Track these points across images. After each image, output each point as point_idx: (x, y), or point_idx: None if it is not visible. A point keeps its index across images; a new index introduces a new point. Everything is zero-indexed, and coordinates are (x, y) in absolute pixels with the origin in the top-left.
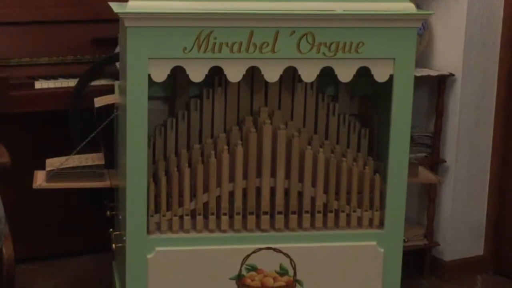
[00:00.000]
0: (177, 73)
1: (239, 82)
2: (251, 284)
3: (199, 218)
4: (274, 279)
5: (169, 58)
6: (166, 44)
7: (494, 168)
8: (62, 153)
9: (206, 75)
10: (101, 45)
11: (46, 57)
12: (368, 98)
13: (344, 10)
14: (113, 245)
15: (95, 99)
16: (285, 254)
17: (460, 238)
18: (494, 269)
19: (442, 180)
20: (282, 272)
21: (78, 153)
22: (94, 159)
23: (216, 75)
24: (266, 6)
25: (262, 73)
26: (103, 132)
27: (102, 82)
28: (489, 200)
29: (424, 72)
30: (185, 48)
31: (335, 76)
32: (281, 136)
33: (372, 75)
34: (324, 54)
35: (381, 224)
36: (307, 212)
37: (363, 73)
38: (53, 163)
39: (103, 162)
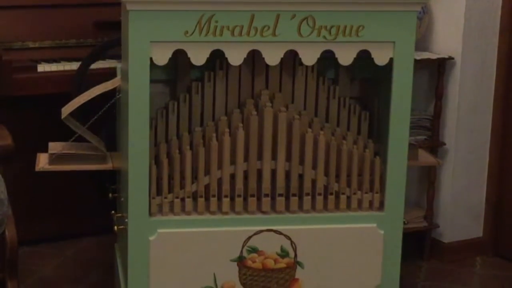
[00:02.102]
0: (179, 57)
1: (240, 66)
2: (252, 265)
3: (201, 200)
4: (275, 260)
5: (171, 42)
6: (167, 28)
7: (493, 150)
8: (64, 136)
9: (208, 59)
10: (103, 28)
11: (48, 41)
12: (368, 81)
13: None
14: (115, 227)
15: (62, 109)
16: (286, 236)
17: (460, 220)
18: (493, 251)
19: (442, 162)
20: (283, 254)
21: (80, 136)
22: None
23: (217, 58)
24: None
25: (263, 56)
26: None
27: (101, 65)
28: (488, 182)
29: (424, 55)
30: (186, 32)
31: (336, 59)
32: (282, 119)
33: (372, 59)
34: (324, 37)
35: (381, 206)
36: (307, 194)
37: (363, 57)
38: (55, 147)
39: (104, 149)
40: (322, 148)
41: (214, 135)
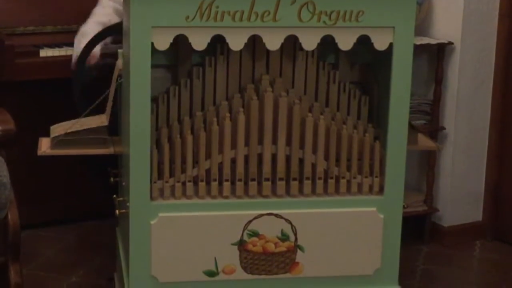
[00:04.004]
0: (180, 42)
1: (240, 50)
2: (252, 249)
3: (202, 185)
4: (276, 244)
5: (172, 27)
6: (169, 13)
7: (493, 134)
8: (67, 121)
9: (208, 44)
10: None
11: (51, 26)
12: (368, 66)
13: None
14: (117, 211)
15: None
16: (286, 219)
17: (459, 204)
18: (492, 235)
19: (441, 147)
20: (283, 237)
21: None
22: (97, 121)
23: (218, 43)
24: None
25: (264, 41)
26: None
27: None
28: (488, 166)
29: (424, 40)
30: (187, 17)
31: (336, 44)
32: (282, 104)
33: (372, 44)
34: (324, 22)
35: (381, 190)
36: (308, 178)
37: (363, 42)
38: (57, 129)
39: (106, 123)
40: (322, 132)
41: (215, 119)
